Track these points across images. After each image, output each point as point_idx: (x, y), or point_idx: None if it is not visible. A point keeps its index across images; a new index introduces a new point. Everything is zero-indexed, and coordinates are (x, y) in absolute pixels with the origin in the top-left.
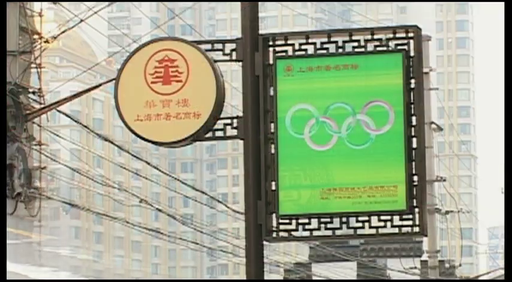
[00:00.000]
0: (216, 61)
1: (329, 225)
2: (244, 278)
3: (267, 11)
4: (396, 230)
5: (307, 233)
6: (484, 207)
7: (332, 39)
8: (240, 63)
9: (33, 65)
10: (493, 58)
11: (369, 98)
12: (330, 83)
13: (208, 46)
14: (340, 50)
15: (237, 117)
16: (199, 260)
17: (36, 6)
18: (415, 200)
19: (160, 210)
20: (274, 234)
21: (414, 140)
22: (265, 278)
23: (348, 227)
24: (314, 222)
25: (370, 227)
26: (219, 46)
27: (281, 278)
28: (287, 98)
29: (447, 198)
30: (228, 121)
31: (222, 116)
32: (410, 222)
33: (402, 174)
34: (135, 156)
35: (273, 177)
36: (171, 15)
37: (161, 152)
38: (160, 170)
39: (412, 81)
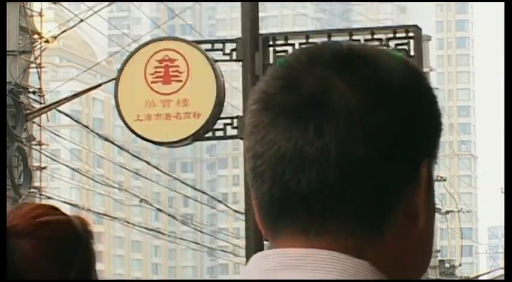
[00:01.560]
0: (216, 61)
1: None
2: None
3: (267, 11)
4: None
5: None
6: (484, 207)
7: (332, 39)
8: (240, 63)
9: (33, 65)
10: (493, 58)
11: None
12: None
13: (209, 46)
14: None
15: (237, 117)
16: (200, 260)
17: (36, 6)
18: None
19: (160, 210)
20: None
21: None
22: None
23: None
24: None
25: None
26: (219, 46)
27: None
28: None
29: (447, 198)
30: (228, 121)
31: (222, 115)
32: None
33: None
34: (135, 156)
35: None
36: (171, 15)
37: (161, 152)
38: (160, 170)
39: None
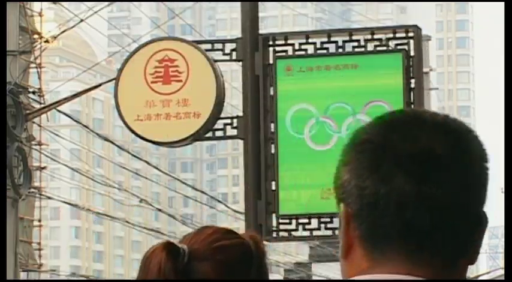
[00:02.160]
0: (216, 61)
1: (329, 225)
2: None
3: (267, 11)
4: None
5: (307, 233)
6: (484, 207)
7: (332, 39)
8: (240, 63)
9: (33, 65)
10: (493, 58)
11: (369, 97)
12: (330, 83)
13: (209, 46)
14: (340, 50)
15: (237, 117)
16: None
17: (36, 6)
18: None
19: (160, 210)
20: (274, 234)
21: None
22: None
23: None
24: (314, 222)
25: None
26: (219, 46)
27: (281, 278)
28: (287, 98)
29: None
30: (228, 121)
31: (222, 115)
32: None
33: None
34: (135, 156)
35: (273, 177)
36: (171, 15)
37: (161, 152)
38: (160, 170)
39: (412, 81)
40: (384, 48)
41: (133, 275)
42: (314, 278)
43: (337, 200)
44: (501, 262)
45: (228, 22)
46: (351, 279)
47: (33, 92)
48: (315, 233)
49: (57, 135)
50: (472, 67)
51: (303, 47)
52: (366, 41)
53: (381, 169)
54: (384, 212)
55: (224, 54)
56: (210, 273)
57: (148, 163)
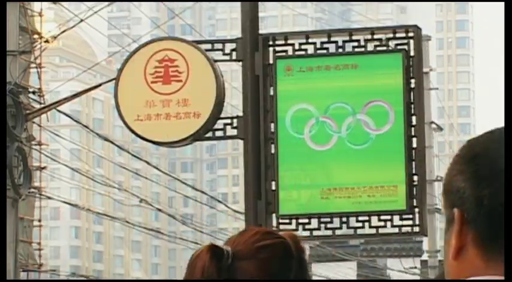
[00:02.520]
0: (216, 61)
1: (329, 225)
2: None
3: (267, 11)
4: (396, 230)
5: (307, 233)
6: None
7: (332, 39)
8: (240, 63)
9: (33, 65)
10: (493, 58)
11: (369, 97)
12: (330, 83)
13: (209, 46)
14: (340, 50)
15: (237, 117)
16: None
17: (36, 6)
18: (415, 200)
19: (160, 210)
20: None
21: (414, 139)
22: None
23: (348, 227)
24: (314, 222)
25: (370, 227)
26: (219, 46)
27: None
28: (287, 98)
29: None
30: (228, 121)
31: (222, 115)
32: (410, 222)
33: (402, 174)
34: (135, 156)
35: (273, 177)
36: (171, 15)
37: (161, 152)
38: (160, 170)
39: (412, 81)
40: (384, 48)
41: (133, 275)
42: (314, 278)
43: (449, 204)
44: None
45: (228, 22)
46: (471, 279)
47: (33, 92)
48: (315, 233)
49: (57, 135)
50: (472, 67)
51: (303, 47)
52: (366, 41)
53: (499, 180)
54: (502, 219)
55: (224, 54)
56: (253, 271)
57: (148, 163)
